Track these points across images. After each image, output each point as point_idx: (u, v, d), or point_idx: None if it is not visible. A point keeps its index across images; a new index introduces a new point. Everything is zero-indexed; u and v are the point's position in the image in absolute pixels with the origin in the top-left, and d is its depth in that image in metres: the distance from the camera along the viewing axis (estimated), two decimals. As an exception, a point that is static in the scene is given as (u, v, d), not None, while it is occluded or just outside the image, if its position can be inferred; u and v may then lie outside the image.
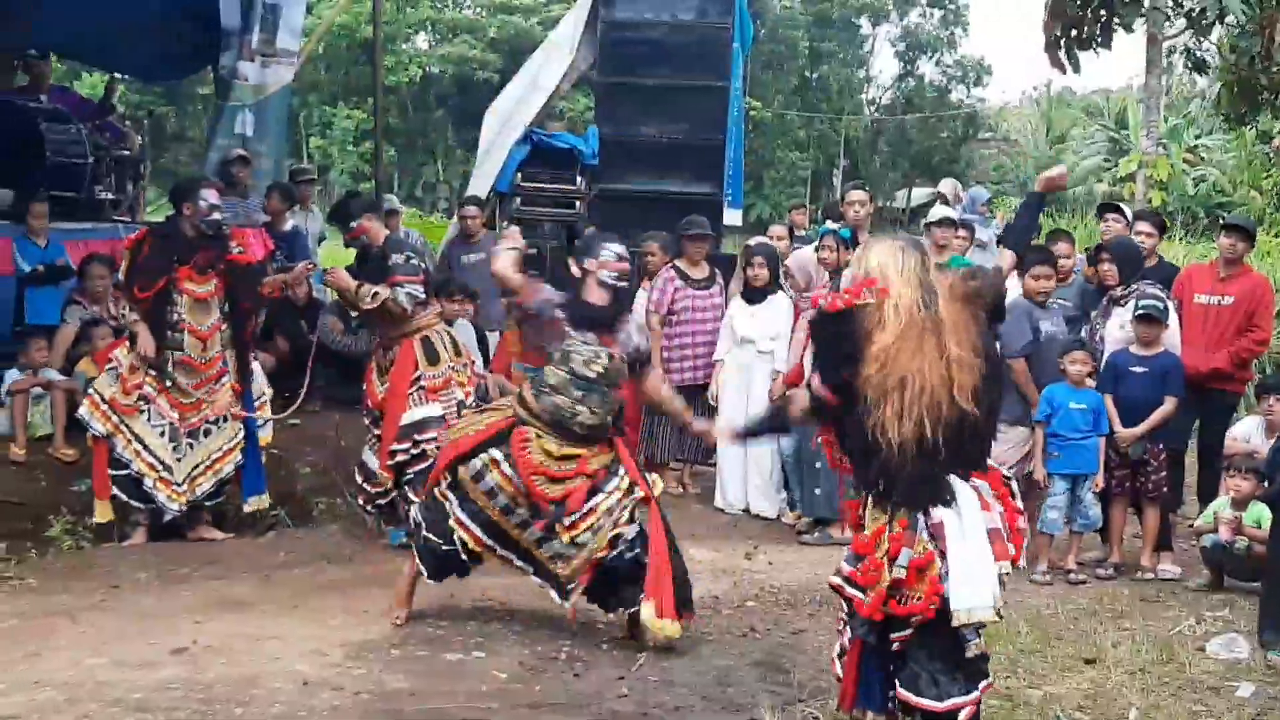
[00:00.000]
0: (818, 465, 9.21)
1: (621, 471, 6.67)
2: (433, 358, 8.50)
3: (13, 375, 9.30)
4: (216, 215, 8.57)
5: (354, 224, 8.74)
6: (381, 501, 8.62)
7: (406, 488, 8.47)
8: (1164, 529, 8.62)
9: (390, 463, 8.36)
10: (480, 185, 12.70)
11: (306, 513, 9.14)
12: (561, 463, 6.54)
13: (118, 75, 15.51)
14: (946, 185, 11.56)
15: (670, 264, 10.43)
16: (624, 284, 6.91)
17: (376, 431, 8.62)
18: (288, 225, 11.53)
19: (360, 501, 8.78)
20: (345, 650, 6.46)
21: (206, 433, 8.65)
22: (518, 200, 13.03)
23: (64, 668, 6.05)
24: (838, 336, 4.75)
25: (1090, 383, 8.65)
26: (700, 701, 5.98)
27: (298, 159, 30.53)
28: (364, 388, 8.80)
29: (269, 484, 9.19)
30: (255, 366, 9.01)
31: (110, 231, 10.67)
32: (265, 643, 6.53)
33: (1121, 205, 11.83)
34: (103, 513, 8.48)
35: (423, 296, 8.52)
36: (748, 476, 10.09)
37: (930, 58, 46.09)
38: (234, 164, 12.00)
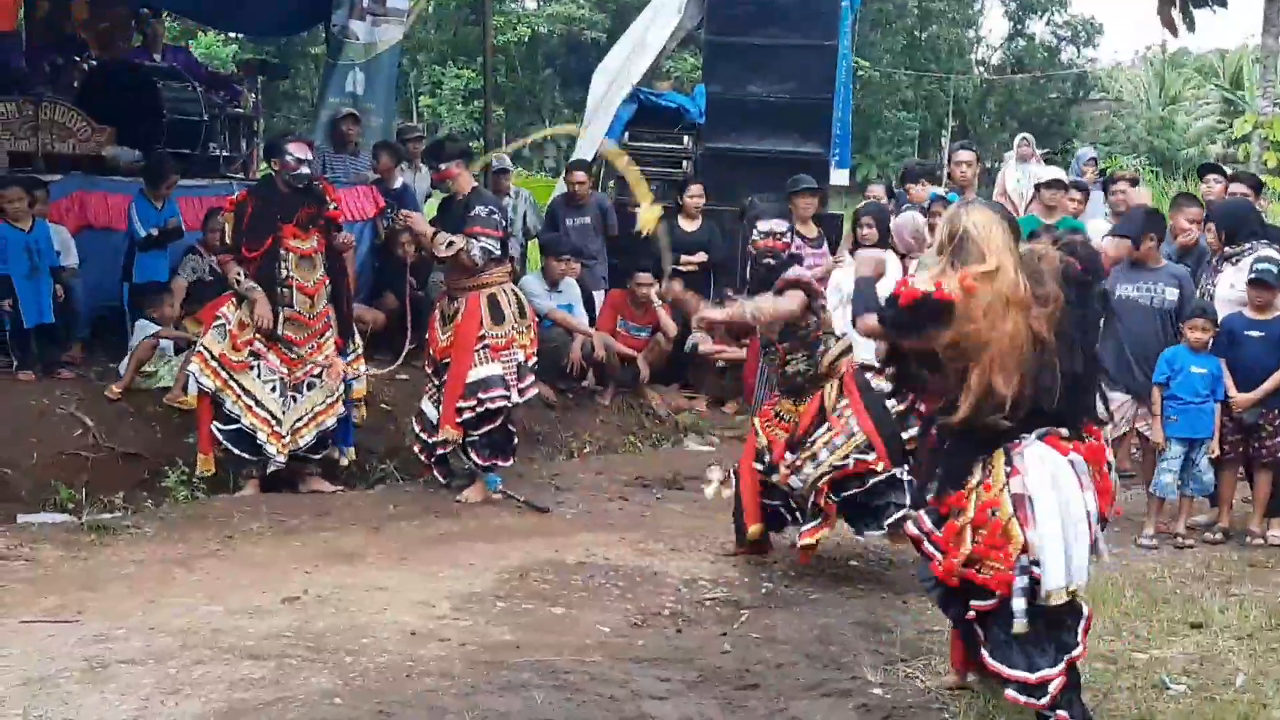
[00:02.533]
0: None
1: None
2: (498, 316, 8.60)
3: (143, 326, 9.43)
4: (305, 170, 8.61)
5: (443, 166, 8.83)
6: (442, 452, 8.74)
7: (471, 449, 8.60)
8: (1275, 494, 8.47)
9: (459, 420, 8.47)
10: (587, 147, 12.72)
11: (415, 466, 9.26)
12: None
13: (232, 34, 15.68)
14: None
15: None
16: (773, 261, 7.33)
17: (437, 382, 8.73)
18: (397, 182, 11.63)
19: (416, 450, 8.91)
20: (451, 602, 6.57)
21: (310, 385, 8.72)
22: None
23: (179, 615, 6.20)
24: (934, 315, 4.76)
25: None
26: (802, 659, 6.00)
27: (407, 118, 30.73)
28: (426, 336, 8.92)
29: (380, 439, 9.33)
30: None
31: (225, 188, 10.79)
32: (374, 593, 6.65)
33: (1222, 166, 11.63)
34: (205, 465, 8.62)
35: (497, 253, 8.61)
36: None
37: (1040, 17, 45.29)
38: (344, 122, 12.11)
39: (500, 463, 8.76)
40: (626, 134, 12.90)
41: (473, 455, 8.66)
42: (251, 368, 8.55)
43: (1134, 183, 11.06)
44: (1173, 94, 40.62)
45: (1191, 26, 16.21)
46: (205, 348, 8.56)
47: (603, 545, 7.77)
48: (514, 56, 38.90)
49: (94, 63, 12.61)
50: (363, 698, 5.30)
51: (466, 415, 8.48)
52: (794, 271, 7.23)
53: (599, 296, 11.63)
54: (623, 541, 7.87)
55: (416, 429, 8.89)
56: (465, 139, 34.33)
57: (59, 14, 13.27)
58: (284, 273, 8.55)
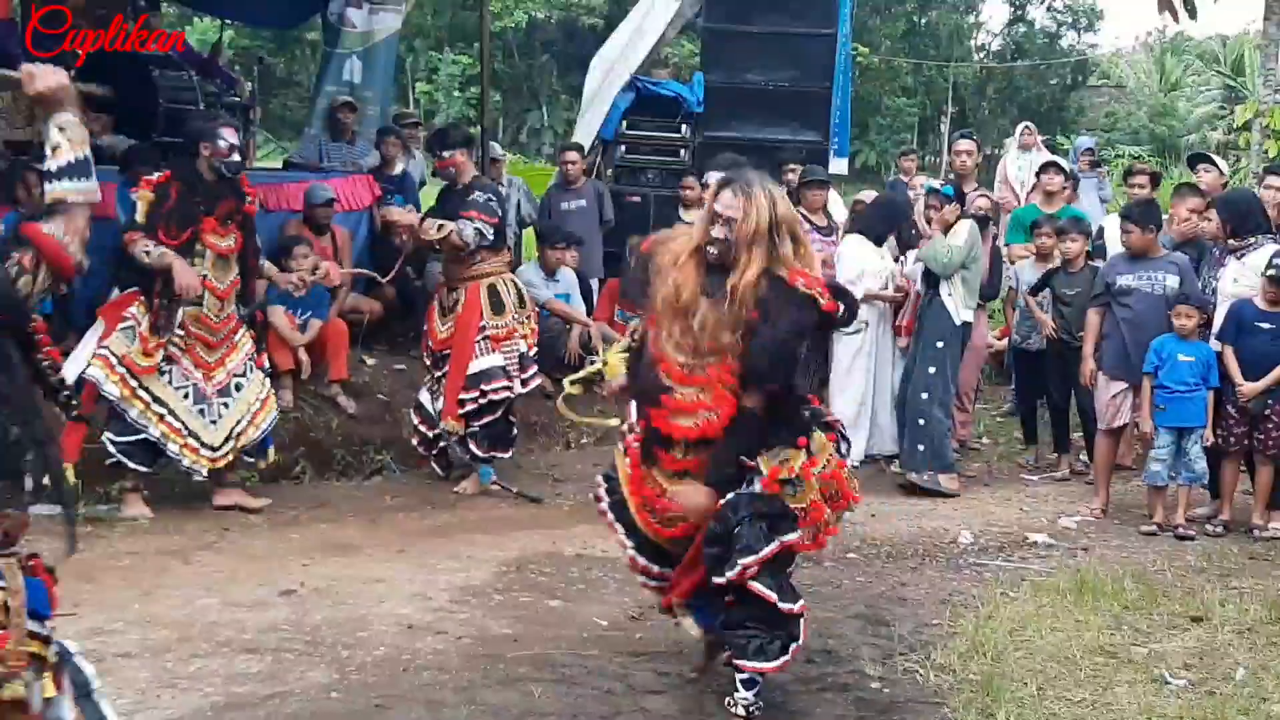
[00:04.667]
0: (921, 422, 9.17)
1: None
2: (498, 307, 8.57)
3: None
4: (236, 157, 7.84)
5: (446, 154, 8.76)
6: (444, 444, 8.71)
7: (471, 440, 8.56)
8: (1277, 487, 8.46)
9: (461, 411, 8.43)
10: (584, 133, 12.70)
11: (412, 458, 9.23)
12: None
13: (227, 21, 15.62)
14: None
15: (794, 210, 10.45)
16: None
17: (437, 373, 8.69)
18: (398, 169, 11.60)
19: (414, 441, 8.87)
20: (449, 594, 6.56)
21: (238, 387, 8.00)
22: (622, 148, 13.02)
23: (176, 607, 6.19)
24: None
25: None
26: (801, 653, 5.97)
27: (403, 105, 30.68)
28: (424, 327, 8.85)
29: (377, 430, 9.31)
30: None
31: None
32: (371, 585, 6.63)
33: (1213, 156, 11.57)
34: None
35: (491, 237, 8.51)
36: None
37: (1041, 3, 45.29)
38: (340, 110, 12.08)
39: (499, 454, 8.74)
40: (625, 122, 12.87)
41: (472, 446, 8.63)
42: (163, 373, 7.75)
43: (1155, 180, 10.98)
44: (1173, 80, 40.55)
45: (1193, 14, 16.11)
46: (110, 350, 7.63)
47: (600, 537, 7.67)
48: (511, 42, 38.86)
49: (90, 50, 12.54)
50: (360, 691, 5.28)
51: (469, 407, 8.45)
52: None
53: (596, 285, 11.60)
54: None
55: (415, 420, 8.87)
56: (463, 125, 34.36)
57: (55, 2, 13.22)
58: (201, 272, 7.71)
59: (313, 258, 9.05)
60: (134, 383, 7.65)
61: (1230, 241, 8.73)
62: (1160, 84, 40.87)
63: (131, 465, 7.80)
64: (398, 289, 10.58)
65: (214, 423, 7.88)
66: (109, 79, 11.21)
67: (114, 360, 7.59)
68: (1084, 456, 9.83)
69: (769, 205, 4.87)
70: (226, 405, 7.93)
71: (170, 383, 7.77)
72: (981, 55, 46.91)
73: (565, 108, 38.19)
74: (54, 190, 3.32)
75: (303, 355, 9.27)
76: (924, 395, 9.18)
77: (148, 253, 7.50)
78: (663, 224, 9.34)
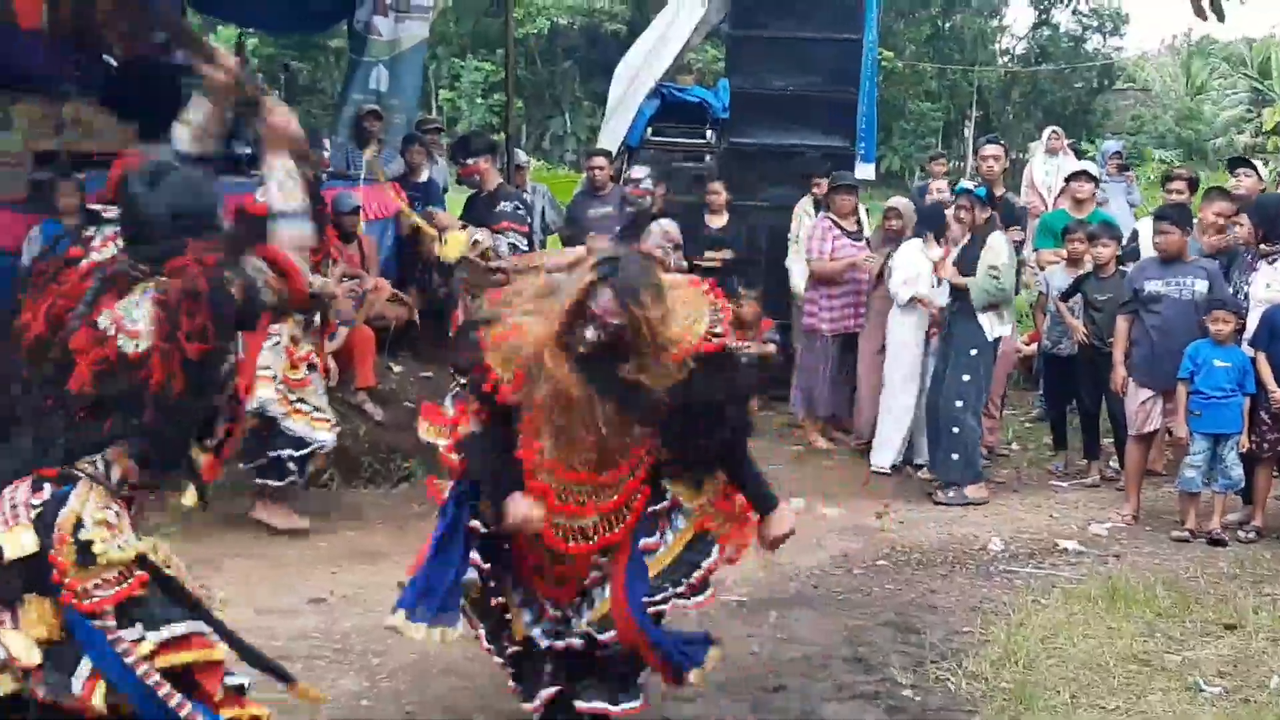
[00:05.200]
0: (954, 430, 9.12)
1: None
2: None
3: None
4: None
5: (470, 161, 8.74)
6: None
7: None
8: (1310, 493, 8.41)
9: None
10: (610, 140, 12.69)
11: (439, 465, 9.20)
12: None
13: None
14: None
15: (825, 215, 10.46)
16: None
17: (463, 381, 8.62)
18: (424, 176, 11.61)
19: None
20: (478, 602, 6.54)
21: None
22: (648, 154, 13.00)
23: (207, 615, 6.17)
24: None
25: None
26: (832, 660, 5.96)
27: (425, 111, 30.75)
28: (451, 334, 8.82)
29: (404, 437, 9.30)
30: None
31: (246, 186, 10.77)
32: (399, 593, 6.61)
33: (1253, 161, 11.51)
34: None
35: (525, 248, 8.53)
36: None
37: (1066, 6, 45.06)
38: (366, 118, 12.09)
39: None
40: (650, 129, 12.85)
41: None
42: (311, 383, 7.88)
43: (1193, 185, 10.90)
44: (1199, 83, 40.42)
45: (1221, 16, 15.98)
46: (265, 369, 7.43)
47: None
48: (533, 48, 38.89)
49: (119, 59, 12.60)
50: (390, 699, 5.29)
51: None
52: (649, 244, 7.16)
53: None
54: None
55: None
56: (485, 132, 34.41)
57: (83, 11, 13.27)
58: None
59: (342, 265, 9.07)
60: (291, 397, 7.69)
61: (1262, 246, 8.68)
62: (1186, 87, 40.75)
63: (272, 483, 7.78)
64: (424, 295, 10.59)
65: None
66: (135, 89, 11.34)
67: (273, 377, 7.54)
68: (1114, 462, 9.77)
69: (654, 307, 4.13)
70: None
71: (317, 388, 7.92)
72: (1006, 59, 46.76)
73: (588, 114, 38.20)
74: (276, 230, 3.55)
75: (330, 363, 9.27)
76: (958, 403, 9.12)
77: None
78: (689, 230, 9.35)
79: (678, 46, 12.80)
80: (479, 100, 37.58)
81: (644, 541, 4.46)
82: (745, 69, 12.35)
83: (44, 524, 3.37)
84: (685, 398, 4.19)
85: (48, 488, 3.42)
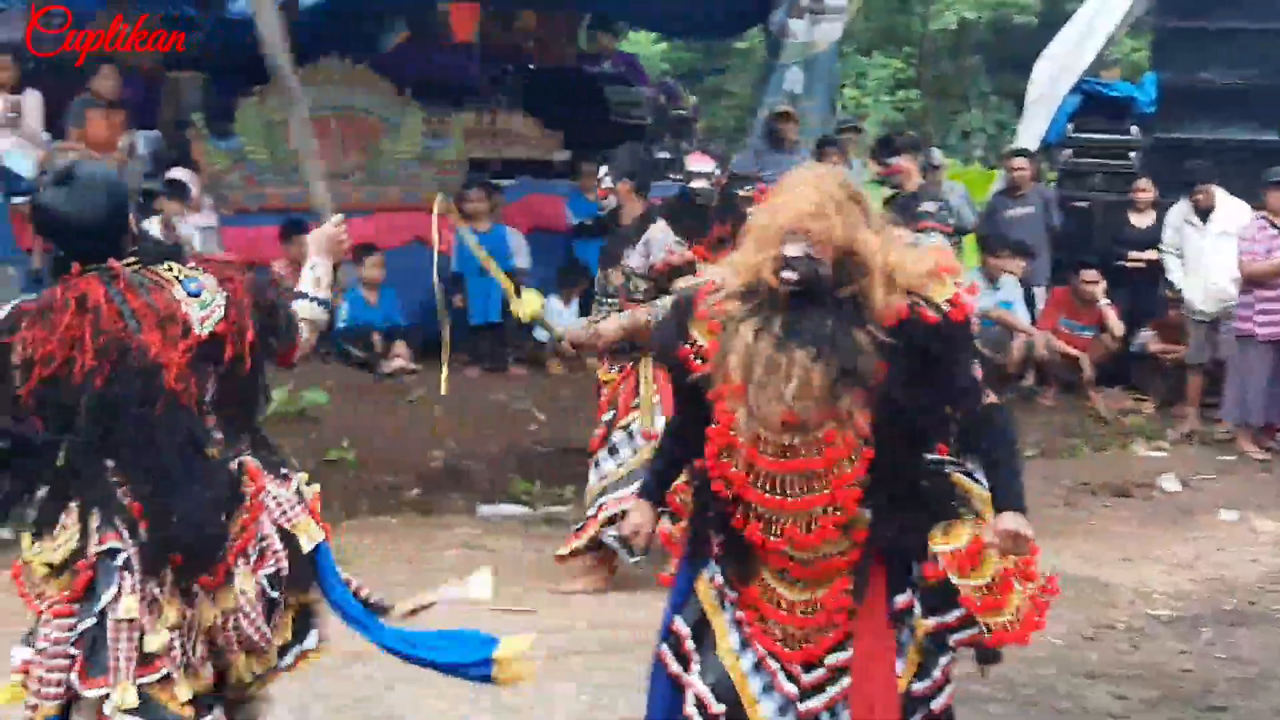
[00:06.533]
0: None
1: None
2: None
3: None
4: (702, 184, 7.58)
5: (892, 160, 8.72)
6: None
7: None
8: None
9: None
10: (1029, 137, 12.43)
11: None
12: None
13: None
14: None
15: (1260, 215, 9.97)
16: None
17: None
18: (836, 178, 11.64)
19: None
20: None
21: None
22: (1068, 152, 12.69)
23: (627, 612, 6.30)
24: None
25: None
26: (1273, 682, 5.68)
27: (831, 110, 30.80)
28: None
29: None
30: None
31: (666, 188, 11.06)
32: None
33: None
34: None
35: (949, 248, 8.44)
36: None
37: None
38: (778, 120, 12.22)
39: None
40: (1071, 125, 12.53)
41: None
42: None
43: None
44: None
45: None
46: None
47: (1047, 553, 7.49)
48: (940, 44, 38.39)
49: (541, 69, 13.17)
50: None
51: None
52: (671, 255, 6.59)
53: (1040, 293, 11.33)
54: (1069, 550, 7.63)
55: None
56: (897, 130, 34.21)
57: (509, 24, 13.94)
58: None
59: None
60: None
61: None
62: None
63: None
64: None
65: None
66: (559, 97, 11.83)
67: None
68: None
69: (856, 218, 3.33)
70: None
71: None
72: None
73: (996, 109, 37.38)
74: (301, 308, 3.78)
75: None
76: None
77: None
78: (1111, 230, 9.09)
79: (1102, 40, 12.43)
80: (884, 97, 37.36)
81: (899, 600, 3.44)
82: (1174, 62, 11.95)
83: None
84: (903, 362, 3.25)
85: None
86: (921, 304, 3.22)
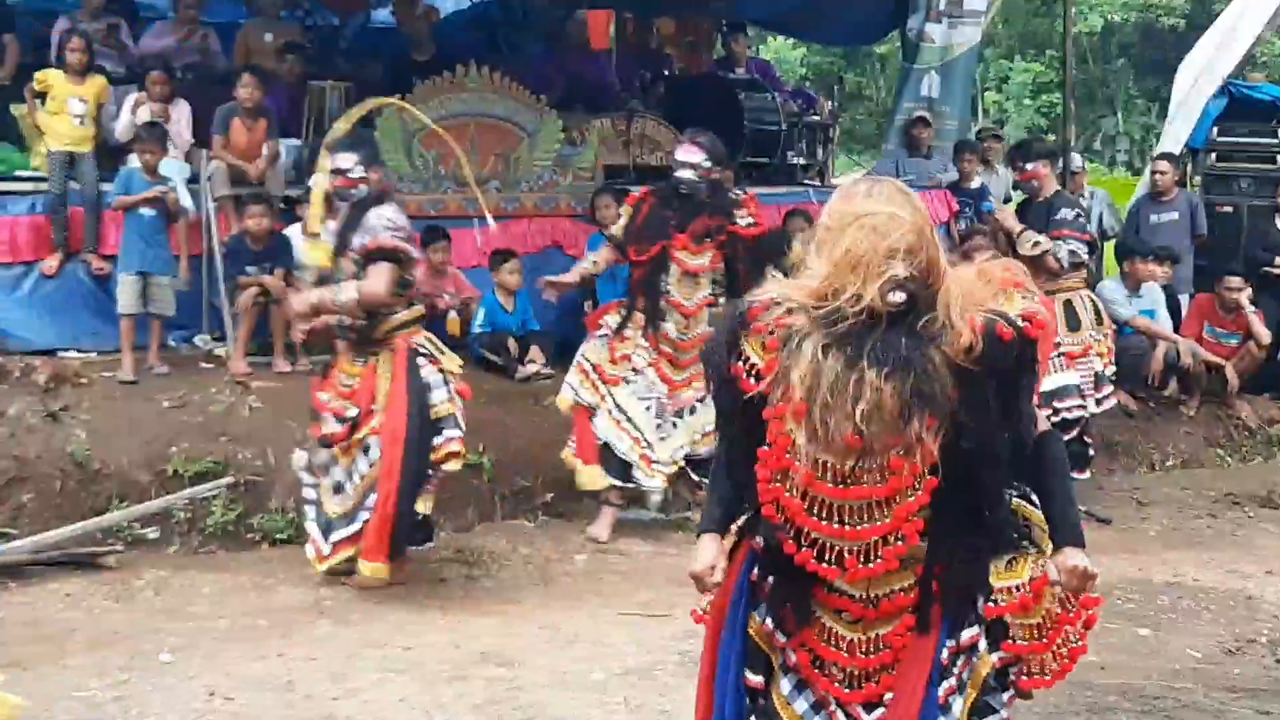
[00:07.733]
0: None
1: None
2: (1073, 323, 8.41)
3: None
4: (688, 174, 7.48)
5: (1029, 166, 8.65)
6: None
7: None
8: None
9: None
10: (1173, 141, 12.20)
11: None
12: None
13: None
14: None
15: None
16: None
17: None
18: (975, 183, 11.55)
19: None
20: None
21: (692, 410, 7.75)
22: (1212, 156, 12.42)
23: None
24: None
25: None
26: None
27: (972, 115, 30.53)
28: None
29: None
30: None
31: (801, 195, 11.04)
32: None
33: None
34: (591, 479, 7.73)
35: (1084, 257, 8.42)
36: None
37: None
38: (916, 125, 12.16)
39: (1076, 475, 8.52)
40: (1216, 129, 12.27)
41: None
42: (628, 382, 7.70)
43: None
44: None
45: None
46: (586, 358, 7.78)
47: (1190, 565, 7.43)
48: (1085, 47, 37.81)
49: (677, 76, 13.21)
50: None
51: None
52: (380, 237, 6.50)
53: (1184, 300, 11.11)
54: (1212, 562, 7.51)
55: None
56: (1035, 136, 33.78)
57: (646, 31, 14.03)
58: (664, 287, 7.63)
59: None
60: (603, 389, 7.69)
61: None
62: None
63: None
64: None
65: (663, 439, 7.76)
66: (695, 103, 11.85)
67: (588, 367, 7.71)
68: None
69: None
70: (675, 425, 7.79)
71: (634, 392, 7.72)
72: None
73: (1141, 113, 36.80)
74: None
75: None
76: None
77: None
78: (1257, 235, 8.88)
79: (1249, 41, 12.15)
80: (1026, 101, 36.90)
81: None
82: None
83: None
84: (975, 385, 3.01)
85: None
86: (997, 320, 2.99)
